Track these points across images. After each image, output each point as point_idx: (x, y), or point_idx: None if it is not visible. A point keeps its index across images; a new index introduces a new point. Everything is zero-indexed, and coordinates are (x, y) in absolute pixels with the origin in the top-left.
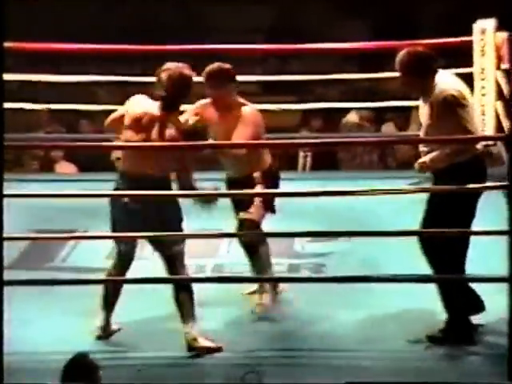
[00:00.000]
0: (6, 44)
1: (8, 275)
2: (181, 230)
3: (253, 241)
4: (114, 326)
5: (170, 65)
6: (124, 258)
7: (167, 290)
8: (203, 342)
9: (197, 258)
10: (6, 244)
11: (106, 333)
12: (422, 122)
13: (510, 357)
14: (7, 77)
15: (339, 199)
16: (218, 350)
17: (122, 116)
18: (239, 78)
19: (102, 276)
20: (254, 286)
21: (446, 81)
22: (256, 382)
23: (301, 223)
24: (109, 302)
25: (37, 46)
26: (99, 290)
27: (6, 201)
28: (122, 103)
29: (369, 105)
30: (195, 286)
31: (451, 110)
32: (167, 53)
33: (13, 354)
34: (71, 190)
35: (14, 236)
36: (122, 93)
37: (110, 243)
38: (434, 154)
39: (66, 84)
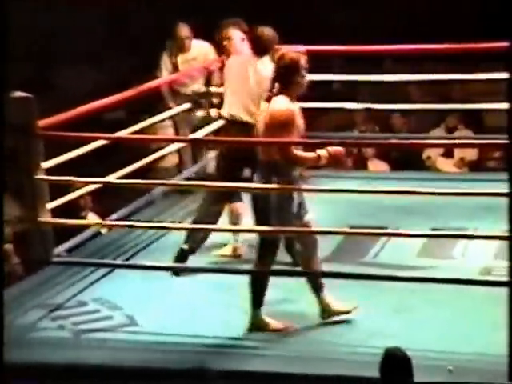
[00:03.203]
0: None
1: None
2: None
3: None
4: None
5: None
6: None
7: None
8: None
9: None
10: (322, 237)
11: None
12: None
13: (510, 357)
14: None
15: None
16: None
17: None
18: None
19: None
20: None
21: None
22: None
23: None
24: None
25: (361, 48)
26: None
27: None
28: (432, 101)
29: None
30: None
31: None
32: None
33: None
34: (382, 187)
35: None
36: (433, 90)
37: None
38: None
39: (383, 83)
